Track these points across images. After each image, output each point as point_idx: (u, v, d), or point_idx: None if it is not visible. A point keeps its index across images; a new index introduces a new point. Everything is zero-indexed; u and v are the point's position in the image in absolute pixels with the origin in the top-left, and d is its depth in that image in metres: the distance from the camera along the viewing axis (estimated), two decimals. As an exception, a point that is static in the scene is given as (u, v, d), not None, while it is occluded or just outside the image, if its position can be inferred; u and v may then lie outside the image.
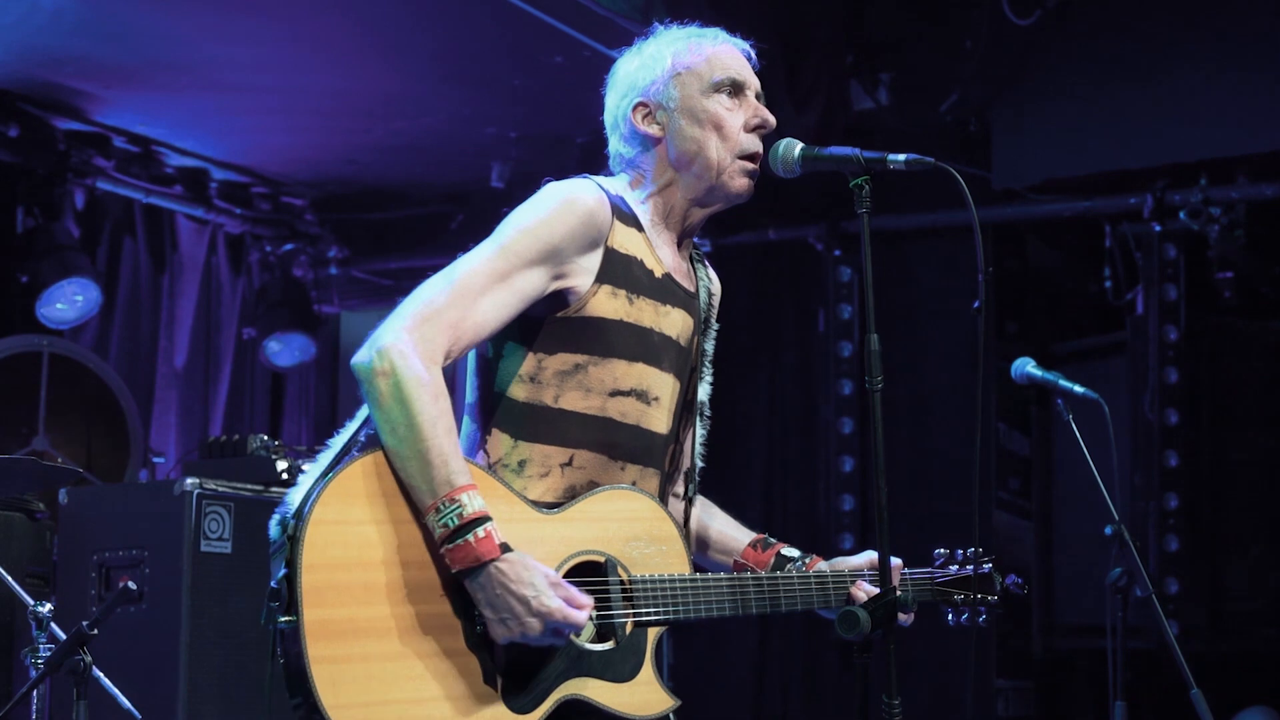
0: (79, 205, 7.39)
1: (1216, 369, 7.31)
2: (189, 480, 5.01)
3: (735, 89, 2.98)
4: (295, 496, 2.64)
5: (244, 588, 5.06)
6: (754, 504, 7.50)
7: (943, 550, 3.19)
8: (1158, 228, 7.00)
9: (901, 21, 7.29)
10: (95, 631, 3.84)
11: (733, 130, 2.96)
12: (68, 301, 6.95)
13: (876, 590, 2.86)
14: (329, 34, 6.31)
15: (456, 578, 2.65)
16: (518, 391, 2.84)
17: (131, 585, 3.99)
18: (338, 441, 2.75)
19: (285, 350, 8.25)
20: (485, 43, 6.44)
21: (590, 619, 2.73)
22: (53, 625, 4.04)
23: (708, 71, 2.96)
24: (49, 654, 3.92)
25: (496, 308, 2.75)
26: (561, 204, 2.82)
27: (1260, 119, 6.76)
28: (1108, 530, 4.02)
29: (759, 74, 3.04)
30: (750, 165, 2.98)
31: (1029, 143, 7.28)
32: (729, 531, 3.18)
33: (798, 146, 2.90)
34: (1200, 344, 7.20)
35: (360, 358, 2.69)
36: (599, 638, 2.79)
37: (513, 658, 2.69)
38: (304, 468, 5.11)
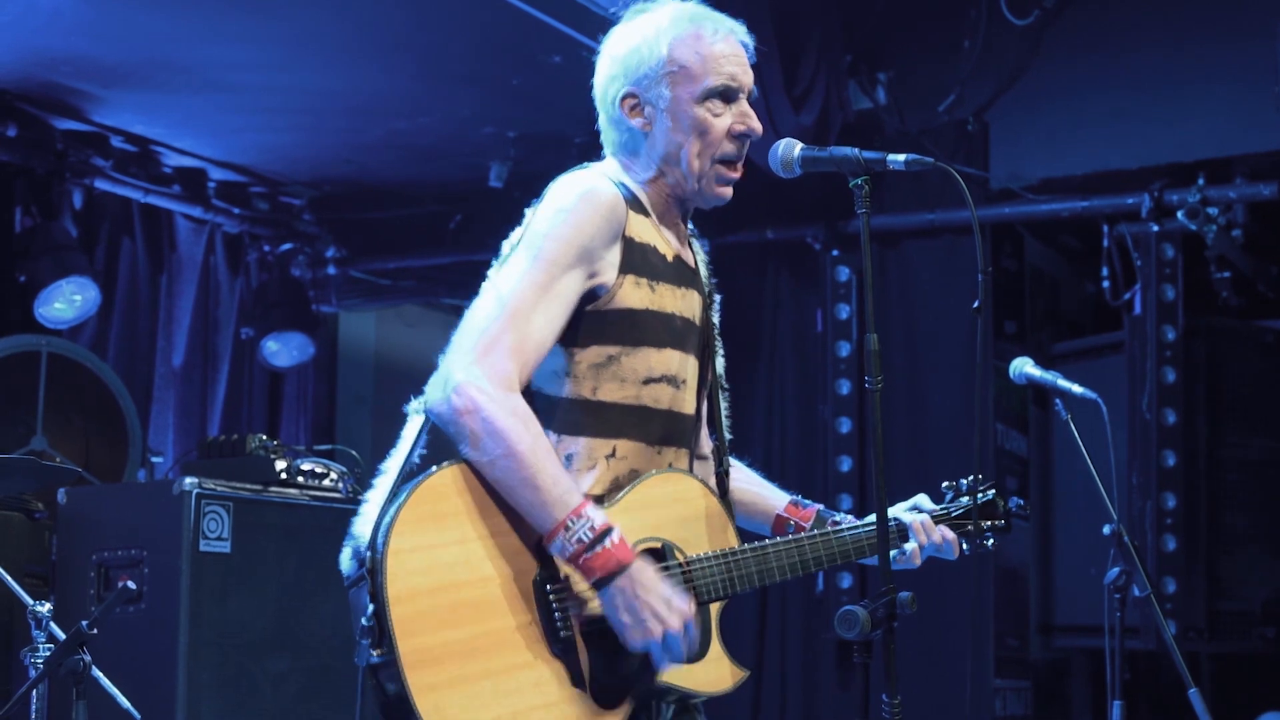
0: (77, 205, 7.38)
1: (1214, 369, 7.30)
2: (188, 480, 5.01)
3: (727, 96, 2.95)
4: (362, 528, 2.67)
5: (243, 587, 5.06)
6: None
7: (948, 484, 3.31)
8: (1155, 228, 6.99)
9: (900, 21, 7.30)
10: (94, 631, 3.85)
11: (716, 137, 2.94)
12: (66, 301, 6.94)
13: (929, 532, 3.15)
14: (327, 34, 6.30)
15: (533, 587, 2.70)
16: (556, 388, 2.85)
17: (130, 585, 4.00)
18: (391, 466, 2.76)
19: (283, 350, 8.24)
20: (483, 42, 6.44)
21: None
22: (52, 625, 4.04)
23: (702, 74, 2.93)
24: (48, 654, 3.92)
25: (549, 320, 2.77)
26: (582, 200, 2.82)
27: (1257, 119, 6.76)
28: (1106, 530, 4.02)
29: (754, 68, 3.02)
30: (729, 173, 2.97)
31: (1027, 142, 7.29)
32: (764, 493, 3.30)
33: (797, 146, 2.90)
34: (1198, 344, 7.20)
35: (437, 401, 2.70)
36: None
37: (595, 657, 2.74)
38: (316, 464, 5.13)
